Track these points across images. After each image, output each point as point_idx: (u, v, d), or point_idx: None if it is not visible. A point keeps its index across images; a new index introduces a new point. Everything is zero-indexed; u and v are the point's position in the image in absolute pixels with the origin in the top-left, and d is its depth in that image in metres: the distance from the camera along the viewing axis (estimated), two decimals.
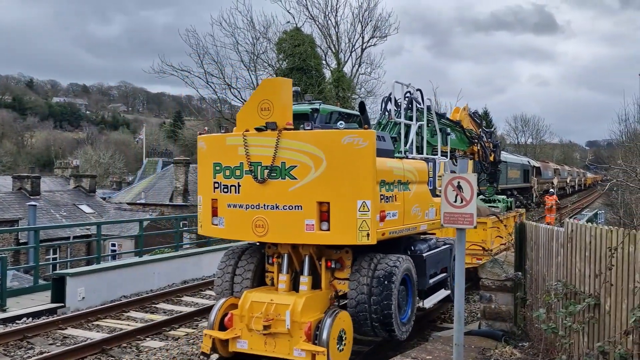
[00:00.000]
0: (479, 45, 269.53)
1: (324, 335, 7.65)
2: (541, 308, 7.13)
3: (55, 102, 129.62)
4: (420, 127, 11.23)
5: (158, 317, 11.66)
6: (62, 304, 12.13)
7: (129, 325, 11.12)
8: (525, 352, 7.86)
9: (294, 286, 8.71)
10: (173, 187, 47.33)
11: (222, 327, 8.36)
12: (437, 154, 11.59)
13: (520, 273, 8.78)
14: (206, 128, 10.43)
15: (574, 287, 6.76)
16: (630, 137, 31.39)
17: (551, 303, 7.03)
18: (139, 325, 11.00)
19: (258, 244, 9.42)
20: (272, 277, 9.06)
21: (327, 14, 36.30)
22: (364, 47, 37.38)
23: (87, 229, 34.51)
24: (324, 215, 7.98)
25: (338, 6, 36.57)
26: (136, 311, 12.27)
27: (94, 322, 11.34)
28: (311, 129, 8.24)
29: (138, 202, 47.60)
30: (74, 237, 34.89)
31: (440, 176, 10.20)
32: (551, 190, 34.97)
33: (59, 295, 12.23)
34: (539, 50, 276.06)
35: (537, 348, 7.70)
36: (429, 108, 11.68)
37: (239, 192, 8.48)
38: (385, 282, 8.31)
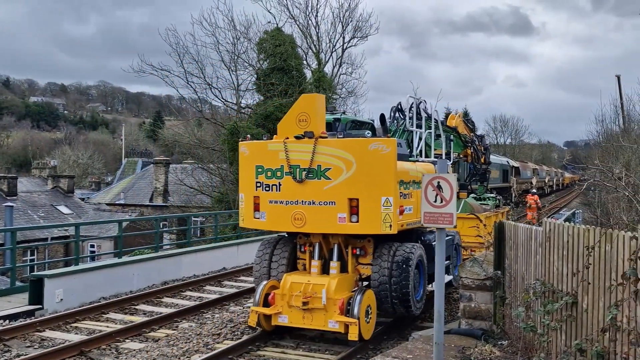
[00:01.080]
0: (456, 46, 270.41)
1: (356, 310, 9.11)
2: (520, 307, 7.20)
3: (33, 102, 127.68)
4: (428, 133, 13.12)
5: (138, 319, 11.55)
6: (40, 306, 11.97)
7: (108, 326, 11.00)
8: (505, 351, 7.93)
9: (324, 270, 10.17)
10: (153, 188, 46.99)
11: (266, 305, 9.82)
12: (436, 157, 13.27)
13: (499, 272, 8.86)
14: (248, 136, 11.68)
15: (552, 285, 6.83)
16: (607, 137, 31.82)
17: (530, 302, 7.10)
18: (119, 326, 10.88)
19: (287, 234, 10.95)
20: (303, 263, 10.55)
21: (307, 14, 36.31)
22: (344, 47, 37.45)
23: (65, 229, 34.12)
24: (354, 209, 9.45)
25: (318, 6, 36.59)
26: (115, 312, 12.15)
27: (72, 324, 11.19)
28: (343, 137, 9.76)
29: (117, 202, 47.18)
30: (52, 238, 34.49)
31: None
32: (533, 190, 35.67)
33: (36, 297, 12.05)
34: (515, 51, 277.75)
35: (516, 346, 7.78)
36: (434, 117, 13.60)
37: (279, 190, 9.95)
38: (404, 266, 9.77)
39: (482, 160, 18.70)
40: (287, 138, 9.90)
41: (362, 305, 9.19)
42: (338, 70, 37.96)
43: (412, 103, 12.76)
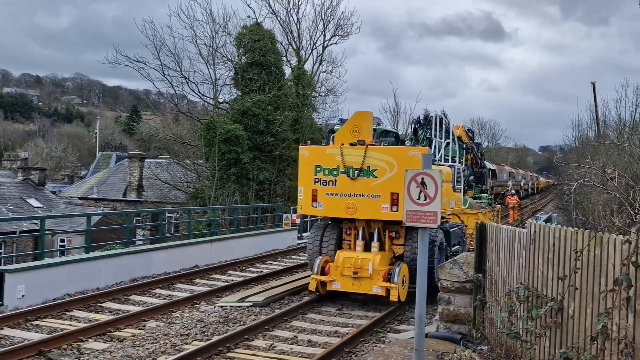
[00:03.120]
0: (430, 49, 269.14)
1: (395, 278, 11.84)
2: (503, 312, 6.90)
3: (6, 93, 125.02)
4: (446, 143, 16.12)
5: (103, 317, 11.03)
6: (0, 303, 11.39)
7: (71, 325, 10.46)
8: (485, 357, 7.63)
9: (365, 249, 12.60)
10: (127, 182, 46.13)
11: (322, 275, 12.40)
12: (448, 162, 16.23)
13: (480, 275, 8.56)
14: (309, 141, 15.16)
15: (536, 290, 6.54)
16: (583, 142, 31.98)
17: (513, 307, 6.80)
18: (82, 325, 10.35)
19: (330, 221, 13.44)
20: (348, 243, 13.08)
21: (289, 10, 35.97)
22: (325, 45, 37.19)
23: (34, 223, 33.17)
24: (395, 201, 11.94)
25: (300, 3, 36.29)
26: (80, 310, 11.59)
27: (33, 322, 10.63)
28: (388, 145, 12.80)
29: (90, 197, 46.25)
30: (21, 232, 33.49)
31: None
32: (513, 191, 36.31)
33: None
34: (488, 56, 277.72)
35: (496, 352, 7.49)
36: (452, 131, 17.15)
37: (335, 185, 12.49)
38: (430, 246, 11.83)
39: (478, 164, 22.03)
40: (343, 144, 12.46)
41: (400, 275, 11.86)
42: (318, 68, 37.66)
43: (435, 117, 16.04)
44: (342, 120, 14.08)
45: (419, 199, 6.00)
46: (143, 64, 31.25)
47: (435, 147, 15.42)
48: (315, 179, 12.66)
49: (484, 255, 8.83)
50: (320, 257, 12.69)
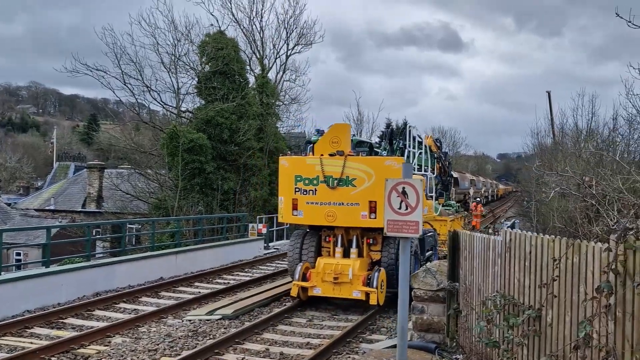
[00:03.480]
0: (390, 59, 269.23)
1: (374, 283, 12.31)
2: (482, 321, 6.86)
3: None
4: (419, 153, 16.99)
5: (66, 334, 10.62)
6: None
7: (32, 343, 10.03)
8: None
9: (344, 255, 13.07)
10: (86, 193, 45.01)
11: (303, 281, 12.80)
12: (420, 171, 17.08)
13: (457, 284, 8.54)
14: (289, 152, 15.00)
15: (513, 298, 6.52)
16: (542, 149, 32.65)
17: (490, 315, 6.77)
18: (44, 343, 9.94)
19: (308, 229, 13.85)
20: (327, 250, 13.55)
21: (252, 18, 35.82)
22: (288, 53, 37.14)
23: None
24: (373, 209, 12.37)
25: (263, 11, 36.17)
26: (41, 327, 11.15)
27: None
28: (366, 156, 13.49)
29: (47, 208, 44.95)
30: None
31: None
32: (478, 199, 37.01)
33: None
34: (446, 66, 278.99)
35: None
36: (425, 143, 18.03)
37: (315, 194, 12.90)
38: None
39: (446, 173, 22.76)
40: (322, 155, 12.92)
41: (379, 280, 12.31)
42: (282, 76, 37.58)
43: (409, 128, 16.94)
44: (319, 132, 14.35)
45: (400, 208, 5.92)
46: (103, 72, 30.59)
47: (408, 156, 15.92)
48: (295, 188, 13.03)
49: (457, 264, 8.82)
50: (301, 264, 13.04)
